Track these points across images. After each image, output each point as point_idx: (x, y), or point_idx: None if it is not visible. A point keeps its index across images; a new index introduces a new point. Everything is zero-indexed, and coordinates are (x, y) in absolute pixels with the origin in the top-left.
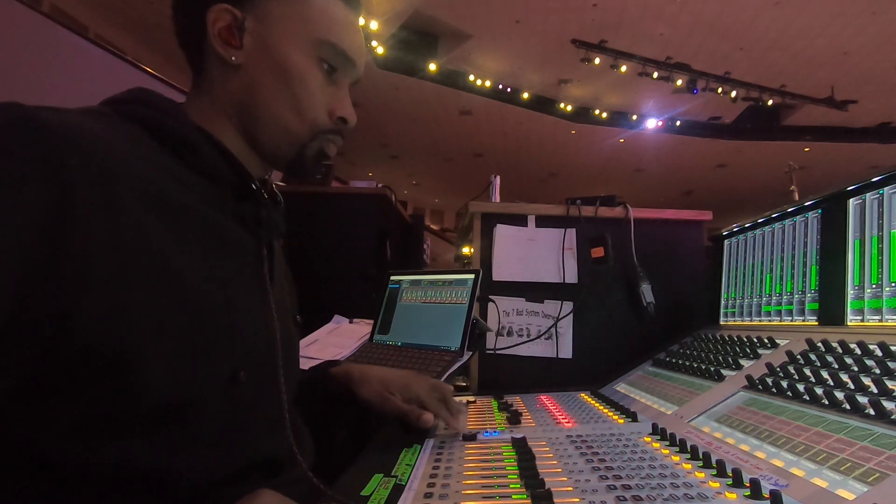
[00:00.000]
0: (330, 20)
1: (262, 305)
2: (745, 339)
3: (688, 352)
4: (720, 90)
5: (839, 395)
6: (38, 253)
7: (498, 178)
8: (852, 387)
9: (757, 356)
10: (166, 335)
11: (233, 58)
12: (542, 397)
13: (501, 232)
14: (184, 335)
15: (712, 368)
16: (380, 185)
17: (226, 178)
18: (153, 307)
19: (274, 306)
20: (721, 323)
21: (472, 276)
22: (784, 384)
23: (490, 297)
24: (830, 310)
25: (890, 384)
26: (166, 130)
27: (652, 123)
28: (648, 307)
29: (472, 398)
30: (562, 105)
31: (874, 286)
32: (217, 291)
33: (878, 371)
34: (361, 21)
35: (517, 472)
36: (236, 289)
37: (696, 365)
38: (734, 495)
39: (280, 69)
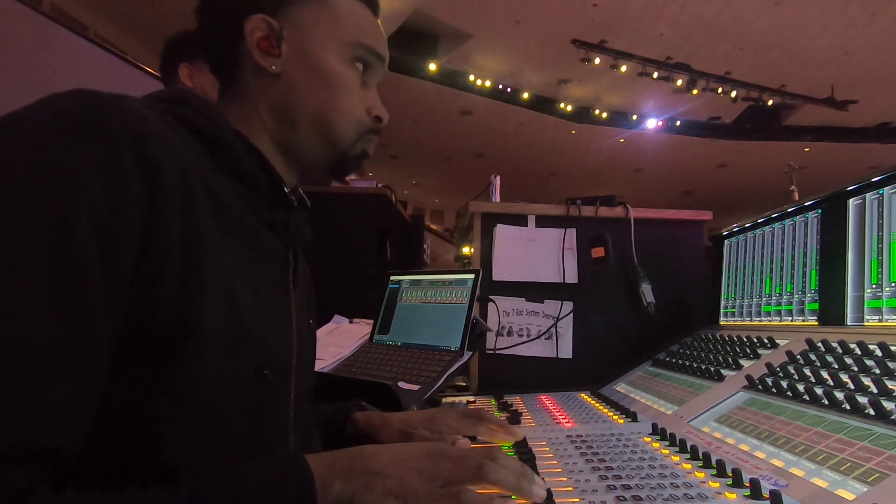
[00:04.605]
0: (358, 22)
1: (283, 310)
2: (745, 339)
3: (688, 352)
4: (720, 90)
5: (839, 395)
6: (138, 240)
7: (498, 178)
8: (852, 387)
9: (757, 356)
10: (215, 327)
11: (273, 67)
12: (542, 397)
13: (501, 232)
14: (225, 330)
15: (712, 368)
16: (380, 185)
17: (261, 185)
18: (207, 300)
19: (294, 312)
20: (721, 323)
21: (472, 276)
22: (784, 384)
23: (490, 297)
24: (830, 310)
25: (890, 384)
26: (211, 134)
27: (652, 123)
28: (648, 307)
29: (472, 398)
30: (562, 105)
31: (874, 286)
32: (251, 293)
33: (878, 371)
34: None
35: None
36: (264, 292)
37: (696, 365)
38: (734, 495)
39: (320, 74)
